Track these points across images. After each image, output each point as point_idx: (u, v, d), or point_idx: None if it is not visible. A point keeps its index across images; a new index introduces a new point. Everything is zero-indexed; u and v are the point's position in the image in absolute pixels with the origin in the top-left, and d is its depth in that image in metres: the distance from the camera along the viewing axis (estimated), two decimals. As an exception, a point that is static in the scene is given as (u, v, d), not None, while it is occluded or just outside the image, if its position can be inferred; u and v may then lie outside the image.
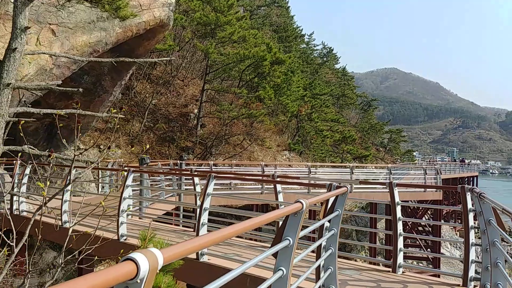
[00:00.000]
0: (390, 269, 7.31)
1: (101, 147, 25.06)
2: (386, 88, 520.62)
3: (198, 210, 8.06)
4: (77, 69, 17.69)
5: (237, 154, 27.93)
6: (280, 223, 3.91)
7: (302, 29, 65.31)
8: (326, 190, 6.41)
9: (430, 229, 27.25)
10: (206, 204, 8.09)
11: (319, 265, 5.57)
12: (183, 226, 11.23)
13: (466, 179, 55.12)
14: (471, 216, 6.54)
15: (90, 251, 5.49)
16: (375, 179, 24.36)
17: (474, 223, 6.54)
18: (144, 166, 14.69)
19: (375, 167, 33.80)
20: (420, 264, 25.96)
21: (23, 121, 6.76)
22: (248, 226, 2.46)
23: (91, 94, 21.24)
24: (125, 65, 20.65)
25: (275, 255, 3.83)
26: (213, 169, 20.92)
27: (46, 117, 18.16)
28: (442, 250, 33.25)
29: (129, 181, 9.02)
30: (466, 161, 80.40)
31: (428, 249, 24.91)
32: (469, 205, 6.50)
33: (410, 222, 24.47)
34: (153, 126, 28.12)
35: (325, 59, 70.49)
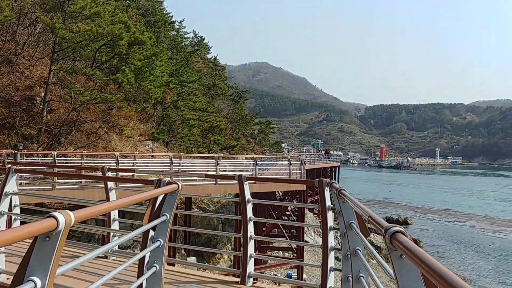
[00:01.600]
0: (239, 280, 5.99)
1: None
2: (257, 81, 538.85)
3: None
4: None
5: (91, 143, 24.98)
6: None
7: (172, 15, 62.80)
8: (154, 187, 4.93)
9: (294, 218, 27.31)
10: (3, 207, 6.18)
11: (141, 285, 4.31)
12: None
13: (329, 169, 58.52)
14: (330, 215, 5.43)
15: None
16: (242, 170, 23.57)
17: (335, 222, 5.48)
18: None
19: (246, 158, 33.47)
20: (284, 255, 25.82)
21: None
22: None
23: None
24: None
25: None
26: (57, 162, 18.32)
27: None
28: (306, 238, 33.85)
29: None
30: (331, 152, 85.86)
31: (291, 240, 24.79)
32: (328, 203, 5.37)
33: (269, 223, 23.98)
34: (-13, 111, 23.85)
35: (196, 48, 68.93)
